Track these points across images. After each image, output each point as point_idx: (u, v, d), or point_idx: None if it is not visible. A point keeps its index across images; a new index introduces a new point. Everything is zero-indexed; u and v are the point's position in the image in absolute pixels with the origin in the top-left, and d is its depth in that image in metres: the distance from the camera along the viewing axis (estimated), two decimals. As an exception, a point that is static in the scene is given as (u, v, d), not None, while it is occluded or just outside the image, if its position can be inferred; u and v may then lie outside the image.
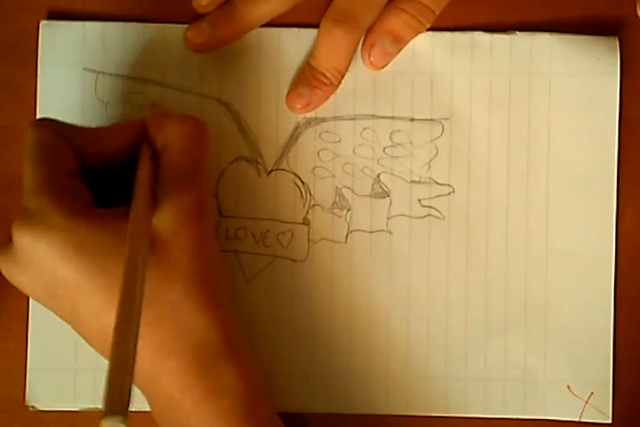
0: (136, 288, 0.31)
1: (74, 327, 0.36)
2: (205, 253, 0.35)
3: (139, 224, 0.33)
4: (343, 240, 0.42)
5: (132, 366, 0.29)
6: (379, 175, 0.42)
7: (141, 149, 0.37)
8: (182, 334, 0.34)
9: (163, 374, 0.34)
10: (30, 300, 0.41)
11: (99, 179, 0.37)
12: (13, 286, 0.41)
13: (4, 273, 0.35)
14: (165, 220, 0.34)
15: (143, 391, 0.35)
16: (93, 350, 0.40)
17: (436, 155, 0.42)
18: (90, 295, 0.33)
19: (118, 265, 0.32)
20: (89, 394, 0.41)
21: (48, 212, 0.33)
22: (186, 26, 0.41)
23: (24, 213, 0.34)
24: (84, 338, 0.36)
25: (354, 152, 0.42)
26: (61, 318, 0.36)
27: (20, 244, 0.34)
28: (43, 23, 0.42)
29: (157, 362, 0.34)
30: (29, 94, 0.42)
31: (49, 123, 0.36)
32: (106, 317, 0.33)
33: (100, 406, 0.40)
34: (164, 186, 0.35)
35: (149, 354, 0.34)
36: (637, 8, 0.37)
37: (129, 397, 0.29)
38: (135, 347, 0.30)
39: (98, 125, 0.40)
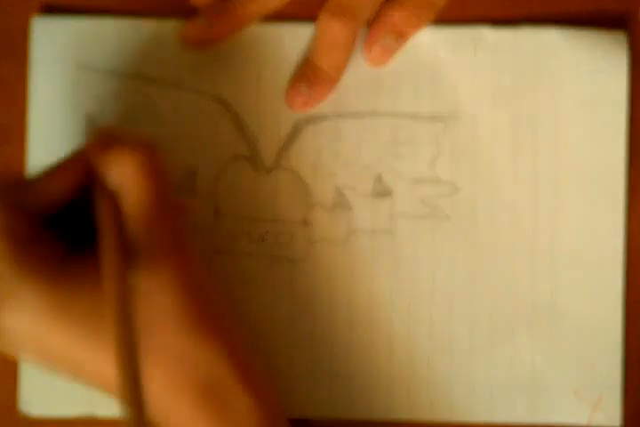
0: (130, 345, 0.31)
1: (81, 384, 0.35)
2: (193, 290, 0.34)
3: (113, 279, 0.32)
4: (344, 240, 0.41)
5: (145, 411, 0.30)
6: (381, 174, 0.41)
7: (96, 190, 0.34)
8: (188, 372, 0.33)
9: (174, 411, 0.34)
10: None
11: (61, 218, 0.35)
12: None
13: None
14: (143, 267, 0.33)
15: None
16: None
17: (439, 153, 0.41)
18: (88, 359, 0.33)
19: (99, 322, 0.32)
20: (83, 400, 0.40)
21: (18, 288, 0.32)
22: (182, 21, 0.41)
23: None
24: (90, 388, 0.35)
25: (355, 150, 0.41)
26: (61, 375, 0.35)
27: (2, 325, 0.32)
28: (34, 20, 0.41)
29: (168, 400, 0.33)
30: (21, 91, 0.41)
31: None
32: (105, 373, 0.33)
33: (94, 410, 0.41)
34: (132, 232, 0.33)
35: (159, 393, 0.33)
36: None
37: None
38: (145, 407, 0.30)
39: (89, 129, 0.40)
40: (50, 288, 0.32)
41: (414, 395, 0.41)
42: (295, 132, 0.41)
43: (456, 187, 0.41)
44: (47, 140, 0.41)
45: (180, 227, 0.35)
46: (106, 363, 0.33)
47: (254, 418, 0.34)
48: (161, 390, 0.33)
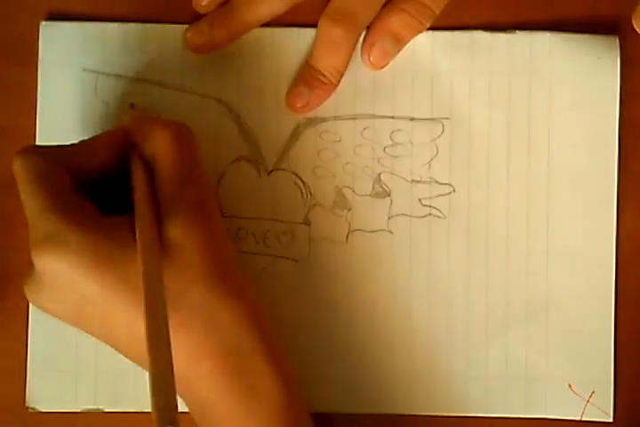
0: (158, 297, 0.31)
1: (106, 342, 0.36)
2: (219, 251, 0.35)
3: (146, 234, 0.33)
4: (344, 240, 0.42)
5: (172, 375, 0.30)
6: (379, 175, 0.42)
7: (131, 158, 0.37)
8: (213, 335, 0.34)
9: (198, 377, 0.34)
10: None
11: (97, 190, 0.37)
12: (12, 286, 0.41)
13: (31, 300, 0.35)
14: (174, 225, 0.34)
15: (180, 395, 0.34)
16: (94, 351, 0.41)
17: (436, 154, 0.42)
18: (118, 308, 0.34)
19: (139, 275, 0.33)
20: (90, 395, 0.41)
21: (60, 232, 0.33)
22: (186, 26, 0.41)
23: (37, 238, 0.33)
24: (118, 351, 0.36)
25: (354, 152, 0.42)
26: (92, 335, 0.36)
27: (41, 268, 0.34)
28: (43, 24, 0.41)
29: (192, 366, 0.34)
30: (30, 95, 0.42)
31: (34, 148, 0.36)
32: (137, 327, 0.33)
33: (101, 406, 0.41)
34: (164, 193, 0.35)
35: (183, 359, 0.34)
36: (633, 21, 0.37)
37: (176, 405, 0.29)
38: (170, 355, 0.30)
39: (95, 130, 0.41)
40: (87, 238, 0.33)
41: (413, 390, 0.41)
42: (296, 134, 0.42)
43: (452, 187, 0.42)
44: (54, 141, 0.40)
45: (207, 193, 0.36)
46: (136, 314, 0.33)
47: (273, 385, 0.34)
48: (183, 352, 0.33)
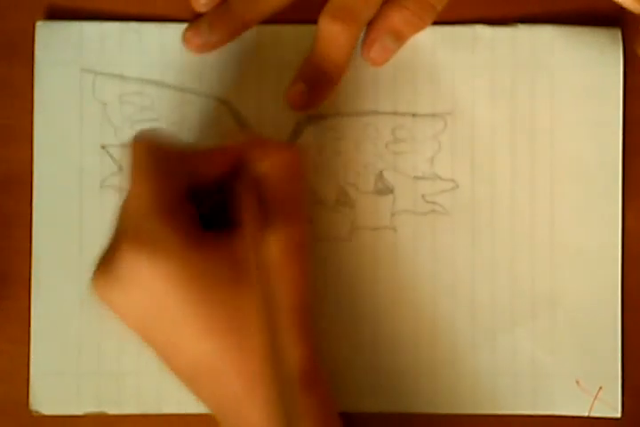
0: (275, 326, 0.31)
1: (160, 356, 0.35)
2: (306, 287, 0.35)
3: (256, 256, 0.33)
4: (347, 238, 0.41)
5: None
6: (382, 172, 0.42)
7: (243, 176, 0.35)
8: (275, 366, 0.33)
9: (249, 403, 0.34)
10: (32, 301, 0.41)
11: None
12: (13, 286, 0.41)
13: (98, 292, 0.33)
14: (273, 251, 0.34)
15: (226, 420, 0.35)
16: (97, 353, 0.41)
17: (438, 150, 0.42)
18: (188, 324, 0.33)
19: (225, 292, 0.32)
20: (93, 398, 0.41)
21: (165, 237, 0.32)
22: (184, 24, 0.41)
23: (139, 235, 0.32)
24: (169, 368, 0.35)
25: (356, 149, 0.42)
26: (150, 344, 0.35)
27: (132, 267, 0.32)
28: (39, 24, 0.41)
29: (247, 391, 0.34)
30: (27, 94, 0.41)
31: (159, 139, 0.34)
32: (203, 346, 0.33)
33: (104, 409, 0.40)
34: (270, 216, 0.34)
35: (241, 383, 0.33)
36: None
37: None
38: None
39: (94, 131, 0.41)
40: (189, 250, 0.32)
41: (417, 388, 0.41)
42: (297, 132, 0.42)
43: (456, 183, 0.42)
44: (52, 141, 0.41)
45: (308, 232, 0.36)
46: (206, 331, 0.33)
47: (317, 418, 0.34)
48: (244, 381, 0.33)
